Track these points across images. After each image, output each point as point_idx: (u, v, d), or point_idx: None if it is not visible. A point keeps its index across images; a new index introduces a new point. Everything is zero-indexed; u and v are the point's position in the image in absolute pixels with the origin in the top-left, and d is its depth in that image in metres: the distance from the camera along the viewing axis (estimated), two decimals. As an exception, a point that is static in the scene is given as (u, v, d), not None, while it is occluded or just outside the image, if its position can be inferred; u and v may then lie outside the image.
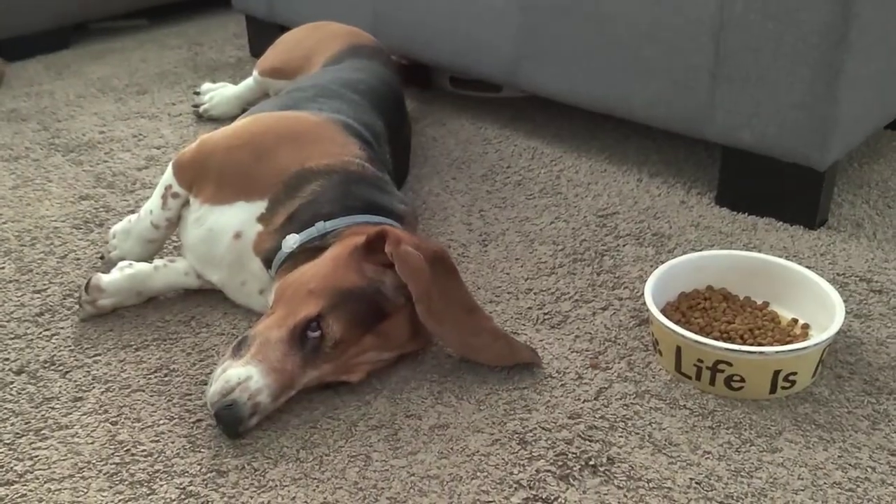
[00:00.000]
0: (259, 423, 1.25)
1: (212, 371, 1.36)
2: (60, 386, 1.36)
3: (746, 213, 1.78)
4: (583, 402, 1.29)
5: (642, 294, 1.53)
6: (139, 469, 1.20)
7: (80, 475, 1.20)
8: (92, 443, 1.25)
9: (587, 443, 1.21)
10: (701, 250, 1.65)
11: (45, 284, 1.62)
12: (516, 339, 1.37)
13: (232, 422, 1.20)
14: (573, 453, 1.20)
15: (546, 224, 1.77)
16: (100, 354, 1.44)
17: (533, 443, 1.22)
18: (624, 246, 1.68)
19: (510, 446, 1.21)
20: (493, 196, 1.89)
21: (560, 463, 1.18)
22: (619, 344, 1.42)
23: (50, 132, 2.29)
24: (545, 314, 1.49)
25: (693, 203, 1.83)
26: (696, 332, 1.32)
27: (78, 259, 1.70)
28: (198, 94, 2.41)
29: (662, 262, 1.61)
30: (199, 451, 1.23)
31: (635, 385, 1.32)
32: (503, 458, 1.19)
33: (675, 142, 2.10)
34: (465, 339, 1.33)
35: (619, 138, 2.15)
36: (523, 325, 1.47)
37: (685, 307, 1.43)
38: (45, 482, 1.19)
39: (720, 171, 1.81)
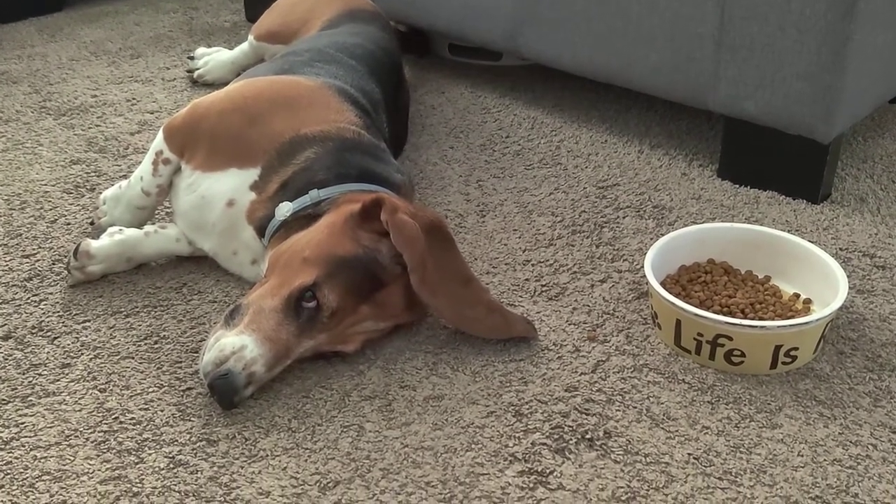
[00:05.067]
0: (259, 392, 1.22)
1: (203, 340, 1.34)
2: (48, 352, 1.34)
3: (748, 186, 1.75)
4: (580, 375, 1.27)
5: (642, 267, 1.51)
6: (127, 437, 1.18)
7: (66, 443, 1.17)
8: (80, 410, 1.23)
9: (584, 416, 1.19)
10: (702, 223, 1.62)
11: (34, 249, 1.59)
12: (513, 312, 1.34)
13: (226, 392, 1.18)
14: (569, 426, 1.18)
15: (545, 195, 1.74)
16: (89, 321, 1.41)
17: (528, 415, 1.20)
18: (624, 218, 1.66)
19: (505, 418, 1.19)
20: (492, 166, 1.86)
21: (556, 436, 1.16)
22: (617, 317, 1.39)
23: (41, 95, 2.25)
24: (543, 286, 1.47)
25: (694, 175, 1.80)
26: (696, 306, 1.30)
27: (68, 224, 1.67)
28: (192, 58, 2.37)
29: (662, 235, 1.58)
30: (189, 420, 1.21)
31: (633, 358, 1.30)
32: (498, 431, 1.17)
33: (676, 113, 2.07)
34: (460, 311, 1.30)
35: (620, 109, 2.11)
36: (520, 296, 1.45)
37: (685, 280, 1.40)
38: (32, 449, 1.16)
39: (722, 142, 1.77)
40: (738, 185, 1.75)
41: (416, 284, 1.25)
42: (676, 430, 1.17)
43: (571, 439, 1.16)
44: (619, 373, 1.27)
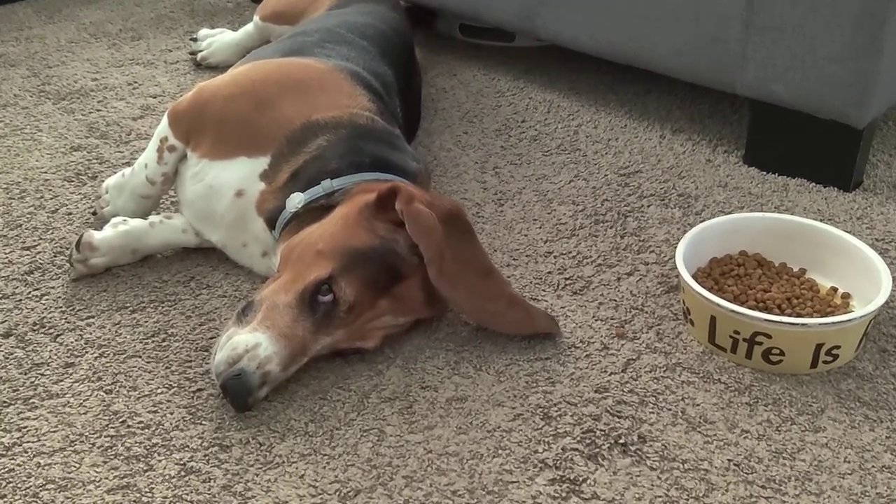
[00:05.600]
0: (270, 393, 1.16)
1: (213, 337, 1.28)
2: (51, 351, 1.28)
3: (776, 174, 1.68)
4: (610, 375, 1.21)
5: (670, 258, 1.44)
6: (136, 442, 1.12)
7: (71, 448, 1.12)
8: (85, 413, 1.17)
9: (616, 419, 1.13)
10: (731, 212, 1.56)
11: (34, 241, 1.53)
12: (535, 307, 1.28)
13: (240, 393, 1.11)
14: (601, 430, 1.12)
15: (565, 182, 1.67)
16: (93, 317, 1.35)
17: (557, 418, 1.14)
18: (648, 207, 1.59)
19: (533, 422, 1.13)
20: (508, 152, 1.79)
21: (588, 441, 1.10)
22: (646, 312, 1.33)
23: (40, 79, 2.18)
24: (566, 279, 1.40)
25: (720, 162, 1.74)
26: (730, 301, 1.23)
27: (70, 214, 1.61)
28: (195, 40, 2.29)
29: (690, 225, 1.52)
30: (200, 424, 1.15)
31: (665, 357, 1.24)
32: (526, 435, 1.11)
33: (698, 96, 2.00)
34: (480, 305, 1.24)
35: (639, 92, 2.04)
36: (543, 290, 1.38)
37: (717, 273, 1.34)
38: (35, 456, 1.11)
39: (749, 127, 1.71)
40: (765, 172, 1.69)
41: (433, 277, 1.19)
42: (714, 434, 1.11)
43: (604, 444, 1.10)
44: (651, 372, 1.21)
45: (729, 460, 1.07)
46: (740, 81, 1.64)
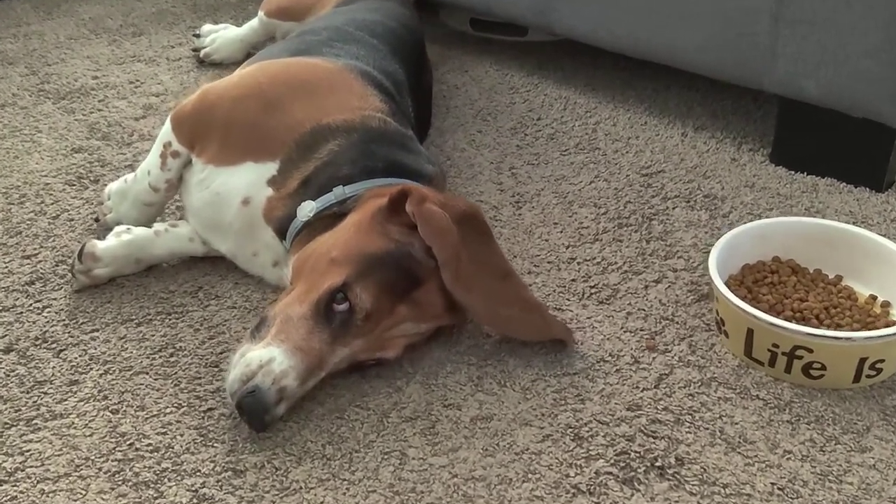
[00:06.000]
0: (287, 412, 1.10)
1: (224, 352, 1.23)
2: (54, 367, 1.22)
3: (805, 173, 1.62)
4: (642, 391, 1.15)
5: (699, 264, 1.38)
6: (144, 467, 1.06)
7: (77, 474, 1.06)
8: (90, 435, 1.11)
9: (651, 439, 1.08)
10: (759, 214, 1.50)
11: (35, 249, 1.47)
12: (550, 313, 1.22)
13: (257, 411, 1.05)
14: (636, 452, 1.06)
15: (585, 184, 1.61)
16: (97, 330, 1.29)
17: (589, 439, 1.08)
18: (673, 209, 1.53)
19: (564, 443, 1.07)
20: (525, 151, 1.73)
21: (622, 463, 1.04)
22: (677, 322, 1.27)
23: (39, 77, 2.11)
24: (592, 287, 1.34)
25: (745, 161, 1.67)
26: (765, 311, 1.17)
27: (71, 220, 1.55)
28: (198, 36, 2.23)
29: (717, 228, 1.47)
30: (212, 446, 1.09)
31: (699, 371, 1.18)
32: (557, 458, 1.05)
33: (719, 91, 1.94)
34: (495, 310, 1.18)
35: (658, 88, 1.98)
36: (568, 299, 1.32)
37: (750, 281, 1.28)
38: (39, 482, 1.05)
39: (777, 125, 1.64)
40: (793, 172, 1.62)
41: (447, 281, 1.14)
42: (755, 456, 1.05)
43: (640, 467, 1.04)
44: (685, 388, 1.15)
45: (772, 483, 1.01)
46: (769, 78, 1.58)
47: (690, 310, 1.29)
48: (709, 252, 1.38)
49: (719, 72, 1.66)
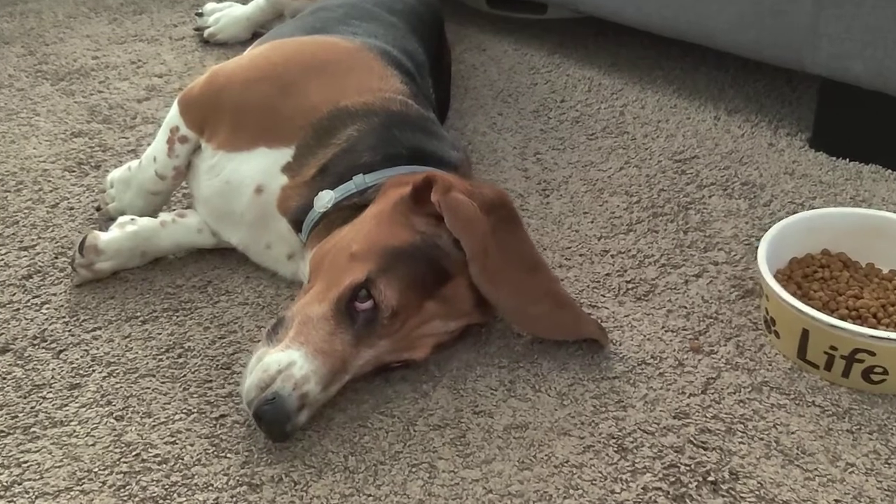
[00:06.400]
0: (309, 420, 1.02)
1: (235, 353, 1.15)
2: (53, 369, 1.14)
3: (847, 159, 1.53)
4: (688, 397, 1.06)
5: (742, 257, 1.30)
6: (152, 481, 0.98)
7: (79, 488, 0.98)
8: (93, 444, 1.03)
9: (701, 451, 0.99)
10: (801, 203, 1.41)
11: (33, 240, 1.38)
12: (583, 310, 1.15)
13: (277, 420, 0.97)
14: (686, 465, 0.98)
15: (615, 170, 1.52)
16: (99, 328, 1.21)
17: (634, 450, 1.00)
18: (710, 197, 1.44)
19: (606, 455, 0.99)
20: (549, 136, 1.64)
21: (671, 478, 0.96)
22: (721, 321, 1.19)
23: (37, 57, 2.02)
24: (628, 283, 1.26)
25: (783, 146, 1.58)
26: (818, 309, 1.09)
27: (71, 208, 1.46)
28: (201, 14, 2.13)
29: (758, 217, 1.38)
30: (225, 457, 1.01)
31: (749, 375, 1.10)
32: (600, 471, 0.97)
33: (752, 72, 1.84)
34: (523, 307, 1.11)
35: (686, 68, 1.88)
36: (603, 296, 1.24)
37: (799, 276, 1.19)
38: (38, 497, 0.97)
39: (818, 108, 1.55)
40: (835, 158, 1.53)
41: (475, 274, 1.07)
42: (815, 469, 0.97)
43: (691, 483, 0.96)
44: (734, 393, 1.07)
45: (836, 501, 0.93)
46: (810, 58, 1.48)
47: (735, 307, 1.21)
48: (751, 244, 1.31)
49: (755, 52, 1.57)
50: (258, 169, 1.23)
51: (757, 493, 0.94)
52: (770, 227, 1.22)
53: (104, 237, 1.27)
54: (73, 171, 1.56)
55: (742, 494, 0.94)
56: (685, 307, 1.21)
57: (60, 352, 1.17)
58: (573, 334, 1.13)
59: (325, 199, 1.16)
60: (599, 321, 1.17)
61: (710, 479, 0.96)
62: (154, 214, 1.34)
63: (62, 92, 1.86)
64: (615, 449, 1.00)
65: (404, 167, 1.19)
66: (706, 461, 0.98)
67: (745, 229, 1.36)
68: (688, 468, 0.97)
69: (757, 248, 1.27)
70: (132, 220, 1.30)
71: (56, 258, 1.34)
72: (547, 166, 1.54)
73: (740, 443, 1.00)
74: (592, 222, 1.39)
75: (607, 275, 1.28)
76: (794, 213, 1.36)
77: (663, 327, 1.17)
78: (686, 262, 1.29)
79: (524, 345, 1.16)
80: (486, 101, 1.77)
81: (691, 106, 1.72)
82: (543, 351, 1.14)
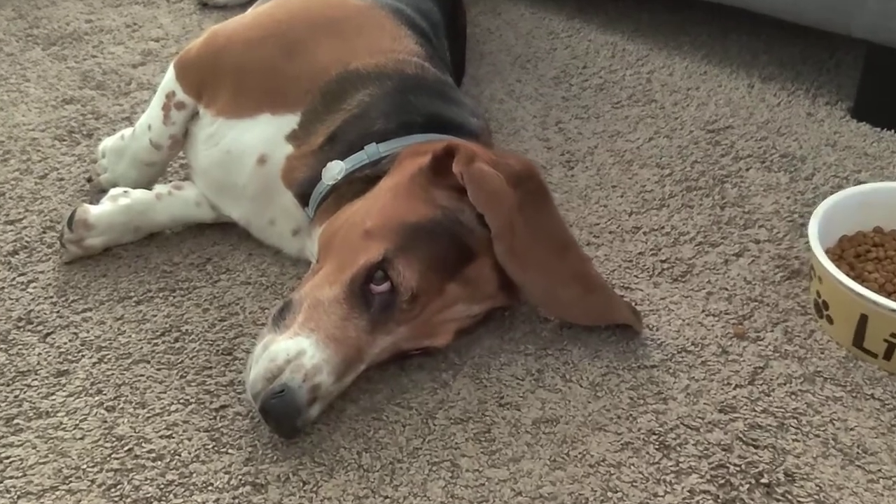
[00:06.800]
0: (321, 414, 0.93)
1: (237, 337, 1.06)
2: (39, 354, 1.05)
3: (894, 130, 1.42)
4: (734, 389, 0.97)
5: (785, 235, 1.20)
6: (146, 479, 0.90)
7: (66, 487, 0.90)
8: (81, 438, 0.95)
9: (752, 449, 0.90)
10: (846, 177, 1.32)
11: (19, 213, 1.29)
12: (616, 293, 1.06)
13: (286, 415, 0.89)
14: (735, 465, 0.89)
15: (643, 140, 1.43)
16: (90, 309, 1.12)
17: (678, 448, 0.91)
18: (747, 170, 1.35)
19: (647, 453, 0.90)
20: (571, 104, 1.54)
21: (720, 479, 0.87)
22: (767, 304, 1.09)
23: (27, 21, 1.92)
24: (663, 262, 1.17)
25: (822, 116, 1.48)
26: (875, 292, 0.99)
27: (61, 179, 1.37)
28: (199, -25, 2.02)
29: (800, 192, 1.29)
30: (227, 453, 0.93)
31: (800, 364, 1.00)
32: (640, 472, 0.88)
33: (785, 37, 1.73)
34: (552, 289, 1.02)
35: (714, 33, 1.78)
36: (636, 276, 1.15)
37: (851, 256, 1.10)
38: (20, 497, 0.89)
39: (862, 76, 1.45)
40: (879, 129, 1.44)
41: (501, 254, 0.98)
42: (879, 470, 0.88)
43: (742, 485, 0.87)
44: (785, 384, 0.97)
45: (904, 506, 0.84)
46: (857, 21, 1.38)
47: (781, 289, 1.11)
48: (794, 220, 1.22)
49: (795, 14, 1.46)
50: (261, 137, 1.15)
51: (816, 497, 0.85)
52: (814, 203, 1.13)
53: (95, 211, 1.19)
54: (64, 140, 1.47)
55: (800, 499, 0.85)
56: (726, 289, 1.11)
57: (47, 335, 1.08)
58: (606, 319, 1.04)
59: (335, 171, 1.08)
60: (633, 304, 1.07)
61: (762, 480, 0.87)
62: (149, 186, 1.26)
63: (54, 57, 1.76)
64: (656, 446, 0.91)
65: (421, 135, 1.10)
66: (758, 461, 0.89)
67: (787, 205, 1.26)
68: (738, 469, 0.88)
69: (801, 224, 1.19)
70: (125, 192, 1.22)
71: (44, 233, 1.25)
72: (570, 136, 1.45)
73: (794, 440, 0.91)
74: (622, 196, 1.30)
75: (640, 254, 1.18)
76: (839, 187, 1.27)
77: (704, 311, 1.08)
78: (725, 240, 1.20)
79: (552, 330, 1.07)
80: (504, 67, 1.67)
81: (722, 73, 1.62)
82: (573, 337, 1.05)
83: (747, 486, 0.87)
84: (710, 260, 1.17)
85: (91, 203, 1.21)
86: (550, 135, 1.46)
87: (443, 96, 1.18)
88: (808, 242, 1.17)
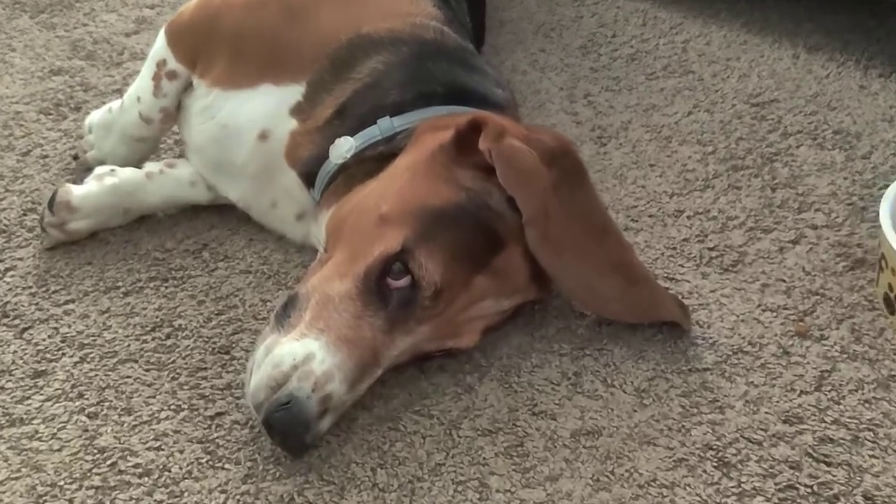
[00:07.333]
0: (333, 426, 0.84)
1: (236, 333, 0.98)
2: (14, 352, 0.97)
3: (955, 103, 1.31)
4: (800, 396, 0.87)
5: (845, 220, 1.10)
6: (130, 499, 0.83)
7: (40, 507, 0.79)
8: (59, 449, 0.86)
9: (824, 468, 0.80)
10: (908, 155, 1.20)
11: (-2, 193, 1.21)
12: (661, 285, 0.96)
13: (293, 429, 0.80)
14: (806, 486, 0.78)
15: (682, 115, 1.32)
16: (72, 301, 1.04)
17: (738, 466, 0.80)
18: (798, 148, 1.24)
19: (704, 471, 0.80)
20: (601, 75, 1.43)
21: (790, 503, 0.76)
22: (830, 298, 0.99)
23: (14, -13, 1.81)
24: (710, 250, 1.06)
25: (876, 88, 1.37)
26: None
27: (45, 157, 1.28)
28: (200, -61, 1.90)
29: (858, 172, 1.19)
30: (222, 468, 0.84)
31: (871, 367, 0.90)
32: (697, 493, 0.78)
33: (829, 4, 1.61)
34: (589, 281, 0.92)
35: (751, 0, 1.65)
36: (681, 266, 1.04)
37: (925, 244, 0.98)
38: (-13, 519, 0.78)
39: (921, 44, 1.32)
40: (940, 102, 1.32)
41: (533, 241, 0.89)
42: (973, 493, 0.76)
43: (816, 510, 0.75)
44: (857, 391, 0.87)
45: None
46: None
47: (844, 280, 1.01)
48: (853, 203, 1.12)
49: (847, -24, 1.34)
50: (262, 111, 1.07)
51: (902, 525, 0.74)
52: (873, 184, 1.04)
53: (78, 191, 1.11)
54: (50, 114, 1.38)
55: (884, 527, 0.74)
56: (783, 280, 1.01)
57: (24, 330, 1.00)
58: (650, 316, 0.94)
59: (344, 148, 0.99)
60: (680, 298, 0.95)
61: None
62: (139, 165, 1.17)
63: (42, 25, 1.67)
64: (714, 464, 0.80)
65: (441, 107, 1.02)
66: (831, 481, 0.79)
67: (845, 186, 1.15)
68: (809, 490, 0.78)
69: (862, 208, 1.08)
70: (112, 171, 1.14)
71: (24, 215, 1.17)
72: (601, 110, 1.33)
73: (871, 456, 0.81)
74: (661, 176, 1.18)
75: (684, 240, 1.07)
76: (903, 166, 1.15)
77: (759, 305, 0.97)
78: (778, 226, 1.09)
79: (588, 327, 0.96)
80: (526, 36, 1.55)
81: (764, 42, 1.50)
82: (613, 335, 0.95)
83: (822, 511, 0.75)
84: (764, 247, 1.06)
85: (75, 183, 1.12)
86: (579, 108, 1.35)
87: (464, 64, 1.09)
88: (870, 228, 1.07)
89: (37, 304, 1.02)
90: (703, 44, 1.51)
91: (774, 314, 0.96)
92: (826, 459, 0.80)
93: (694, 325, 0.94)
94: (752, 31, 1.55)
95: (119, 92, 1.42)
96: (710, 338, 0.93)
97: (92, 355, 0.95)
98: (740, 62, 1.45)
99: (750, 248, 1.05)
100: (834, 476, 0.79)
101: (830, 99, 1.35)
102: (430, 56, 1.05)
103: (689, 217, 1.11)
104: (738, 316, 0.96)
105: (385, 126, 0.99)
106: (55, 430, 0.87)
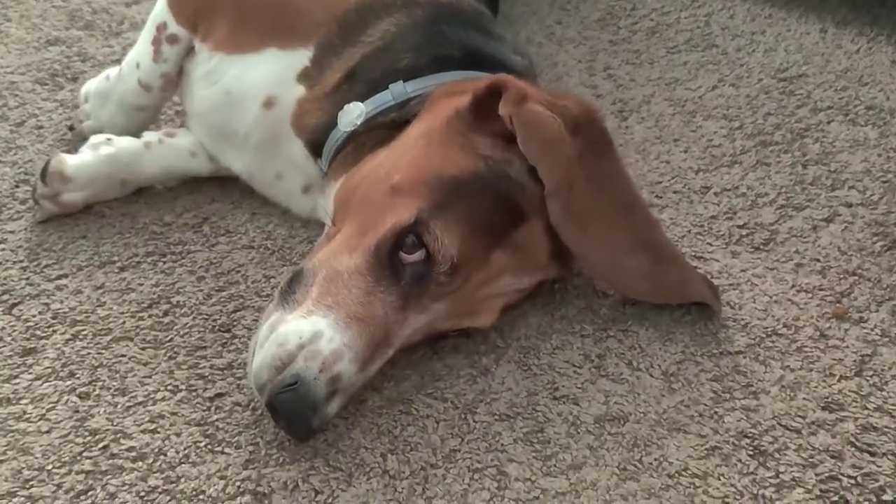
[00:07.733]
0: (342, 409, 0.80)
1: (237, 311, 0.94)
2: (3, 328, 0.93)
3: None
4: (839, 381, 0.82)
5: (881, 198, 1.05)
6: (123, 485, 0.78)
7: (26, 492, 0.77)
8: (48, 431, 0.83)
9: (868, 457, 0.76)
10: (945, 131, 1.14)
11: (-10, 165, 1.17)
12: (690, 264, 0.91)
13: (299, 412, 0.76)
14: (849, 477, 0.74)
15: (706, 89, 1.27)
16: (65, 276, 1.01)
17: (776, 455, 0.76)
18: (829, 123, 1.19)
19: (739, 460, 0.76)
20: (620, 48, 1.38)
21: (832, 496, 0.74)
22: (867, 279, 0.94)
23: (11, -44, 1.76)
24: (740, 228, 1.01)
25: (909, 63, 1.31)
26: None
27: (40, 127, 1.25)
28: None
29: (892, 148, 1.16)
30: (222, 453, 0.80)
31: (916, 351, 0.84)
32: (732, 484, 0.73)
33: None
34: (615, 259, 0.88)
35: (777, -28, 1.60)
36: (710, 244, 1.00)
37: (968, 223, 0.93)
38: (-30, 504, 0.73)
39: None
40: (975, 78, 1.26)
41: (556, 215, 0.85)
42: None
43: (859, 503, 0.70)
44: (901, 377, 0.81)
45: None
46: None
47: (882, 261, 0.96)
48: (888, 181, 1.07)
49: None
50: (267, 76, 1.03)
51: (955, 520, 0.69)
52: None
53: (73, 161, 1.08)
54: (46, 84, 1.35)
55: (935, 523, 0.69)
56: (818, 260, 0.96)
57: (14, 305, 0.96)
58: (678, 296, 0.89)
59: (354, 115, 0.95)
60: (709, 277, 0.90)
61: (885, 498, 0.72)
62: (137, 134, 1.13)
63: (39, -6, 1.61)
64: (750, 452, 0.76)
65: (457, 72, 0.97)
66: (876, 472, 0.74)
67: (879, 163, 1.11)
68: (852, 482, 0.73)
69: (899, 186, 1.02)
70: (109, 140, 1.11)
71: (16, 187, 1.14)
72: (622, 83, 1.29)
73: (920, 448, 0.75)
74: (686, 151, 1.13)
75: (713, 217, 1.02)
76: (939, 143, 1.10)
77: (794, 286, 0.93)
78: (811, 203, 1.04)
79: (612, 306, 0.92)
80: (541, 7, 1.51)
81: (790, 16, 1.45)
82: (638, 315, 0.90)
83: (866, 503, 0.70)
84: (796, 225, 1.01)
85: (70, 153, 1.07)
86: (599, 81, 1.30)
87: (481, 28, 1.05)
88: (909, 206, 1.01)
89: (27, 278, 0.98)
90: (726, 17, 1.46)
91: (810, 295, 0.91)
92: (870, 449, 0.75)
93: (724, 307, 0.89)
94: (777, 4, 1.50)
95: (118, 62, 1.38)
96: (742, 319, 0.88)
97: (84, 332, 0.91)
98: (765, 36, 1.40)
99: (782, 227, 1.00)
100: (879, 467, 0.74)
101: (861, 74, 1.30)
102: (446, 19, 1.01)
103: (716, 194, 1.06)
104: (770, 297, 0.91)
105: (398, 91, 0.95)
106: (44, 411, 0.83)
